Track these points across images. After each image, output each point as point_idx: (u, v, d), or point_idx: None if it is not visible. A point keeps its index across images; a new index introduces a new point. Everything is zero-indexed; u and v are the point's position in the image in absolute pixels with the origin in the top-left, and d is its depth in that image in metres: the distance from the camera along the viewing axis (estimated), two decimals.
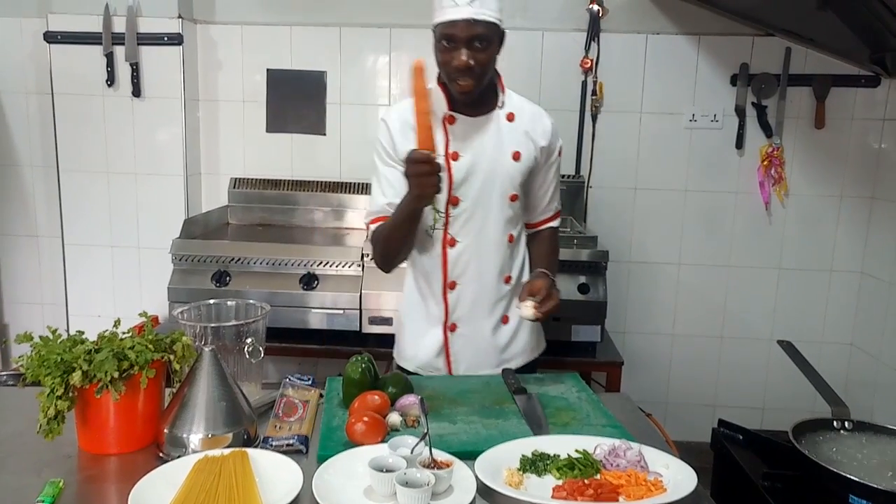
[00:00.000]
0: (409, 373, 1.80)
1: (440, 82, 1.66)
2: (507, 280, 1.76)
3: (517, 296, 1.77)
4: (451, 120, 1.65)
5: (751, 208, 2.96)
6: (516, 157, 1.68)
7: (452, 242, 1.69)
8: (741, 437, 1.59)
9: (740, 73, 2.85)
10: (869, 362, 2.91)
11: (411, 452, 1.18)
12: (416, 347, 1.79)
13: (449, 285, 1.72)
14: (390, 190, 1.68)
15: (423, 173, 1.47)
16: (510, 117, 1.69)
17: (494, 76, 1.67)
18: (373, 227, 1.73)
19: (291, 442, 1.27)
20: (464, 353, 1.76)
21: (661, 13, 2.86)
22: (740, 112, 2.88)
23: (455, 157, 1.65)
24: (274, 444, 1.26)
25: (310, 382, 1.50)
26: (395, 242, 1.66)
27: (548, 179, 1.78)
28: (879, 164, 2.87)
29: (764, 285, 3.01)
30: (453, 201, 1.67)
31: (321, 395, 1.50)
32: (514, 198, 1.71)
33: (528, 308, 1.56)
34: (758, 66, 2.84)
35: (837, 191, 2.92)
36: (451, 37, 1.53)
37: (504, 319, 1.78)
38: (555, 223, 1.86)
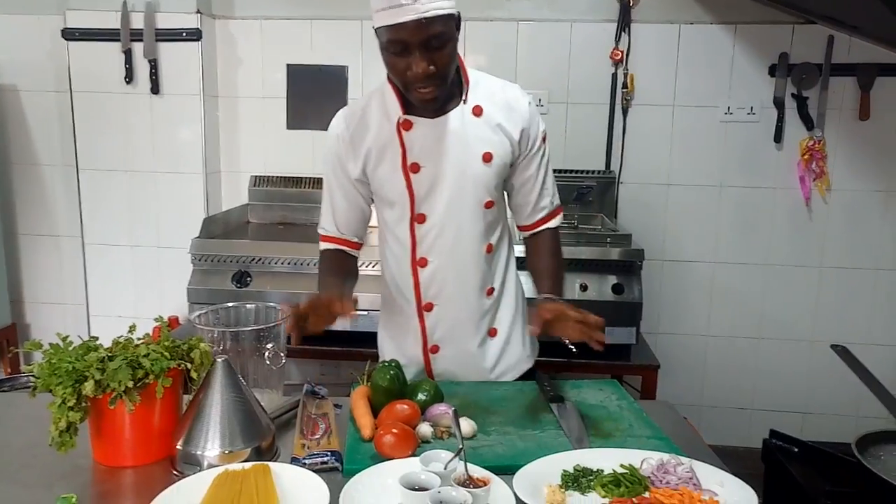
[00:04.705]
0: None
1: (390, 81, 1.45)
2: (490, 292, 1.58)
3: (503, 304, 1.63)
4: (407, 125, 1.44)
5: (790, 204, 2.84)
6: (487, 158, 1.46)
7: (423, 262, 1.52)
8: (796, 450, 1.49)
9: (779, 63, 2.72)
10: None
11: (445, 468, 1.10)
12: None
13: (424, 307, 1.56)
14: (338, 207, 1.57)
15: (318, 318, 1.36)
16: (477, 111, 1.45)
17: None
18: (322, 245, 1.62)
19: (326, 460, 1.19)
20: (449, 374, 1.61)
21: (695, 2, 2.75)
22: (779, 104, 2.75)
23: (415, 168, 1.45)
24: (308, 462, 1.17)
25: (321, 396, 1.42)
26: None
27: (531, 173, 1.54)
28: None
29: (804, 285, 2.88)
30: (419, 219, 1.49)
31: (336, 406, 1.42)
32: (489, 204, 1.50)
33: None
34: (798, 56, 2.71)
35: (883, 185, 2.78)
36: (401, 42, 1.30)
37: (492, 332, 1.62)
38: (552, 223, 1.61)
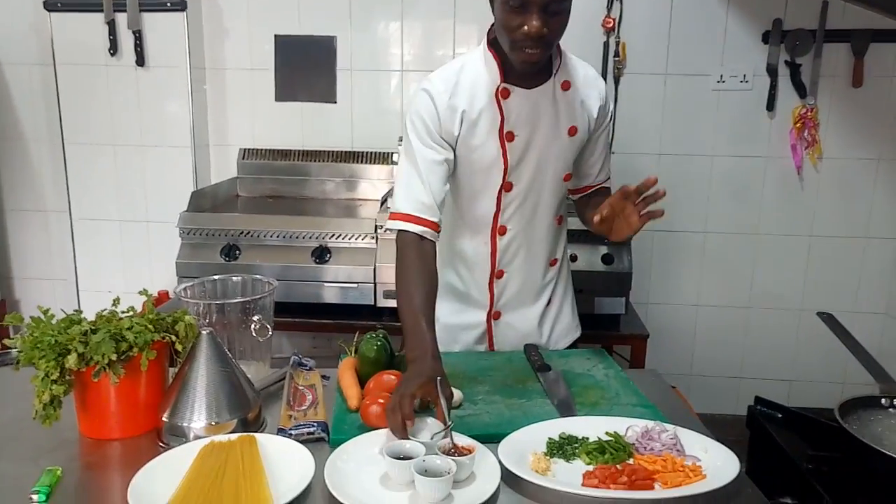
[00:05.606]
0: None
1: (491, 47, 1.45)
2: (553, 263, 1.66)
3: (561, 276, 1.70)
4: (506, 94, 1.44)
5: (782, 173, 2.82)
6: (572, 132, 1.50)
7: (503, 230, 1.56)
8: (780, 416, 1.50)
9: (773, 30, 2.69)
10: None
11: (431, 438, 1.11)
12: (455, 335, 1.66)
13: (496, 274, 1.60)
14: (430, 178, 1.43)
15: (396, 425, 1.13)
16: (565, 86, 1.47)
17: None
18: (397, 223, 1.44)
19: (312, 430, 1.19)
20: (507, 340, 1.66)
21: None
22: (772, 71, 2.72)
23: (510, 137, 1.47)
24: (294, 433, 1.18)
25: (309, 367, 1.42)
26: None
27: (598, 149, 1.59)
28: None
29: (794, 254, 2.89)
30: (506, 187, 1.51)
31: (324, 377, 1.42)
32: (567, 177, 1.57)
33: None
34: (792, 22, 2.68)
35: (875, 153, 2.77)
36: None
37: (549, 302, 1.69)
38: (606, 184, 1.67)
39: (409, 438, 1.11)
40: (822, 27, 2.66)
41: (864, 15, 2.63)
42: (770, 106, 2.76)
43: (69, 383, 1.13)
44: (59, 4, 2.74)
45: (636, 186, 1.31)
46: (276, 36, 2.88)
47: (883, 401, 1.39)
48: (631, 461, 1.12)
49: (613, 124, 2.78)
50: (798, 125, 2.74)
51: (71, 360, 1.08)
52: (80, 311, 1.20)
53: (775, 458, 1.40)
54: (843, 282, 2.88)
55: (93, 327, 1.13)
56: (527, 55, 1.34)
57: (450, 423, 1.12)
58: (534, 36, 1.31)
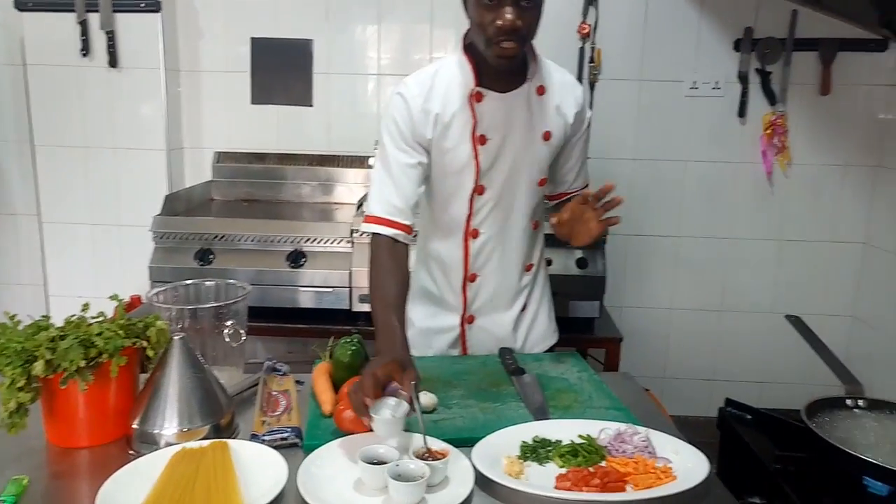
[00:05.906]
0: None
1: (466, 51, 1.47)
2: (529, 268, 1.67)
3: (537, 281, 1.70)
4: (479, 97, 1.46)
5: (752, 179, 2.87)
6: (546, 137, 1.51)
7: (475, 234, 1.57)
8: (749, 417, 1.53)
9: (744, 38, 2.74)
10: (870, 335, 2.85)
11: (393, 415, 1.11)
12: (429, 339, 1.67)
13: (469, 278, 1.61)
14: (403, 181, 1.46)
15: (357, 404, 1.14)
16: (540, 91, 1.49)
17: None
18: (371, 227, 1.47)
19: (286, 435, 1.18)
20: (481, 345, 1.67)
21: None
22: (743, 79, 2.77)
23: (482, 140, 1.48)
24: (267, 439, 1.17)
25: (283, 373, 1.42)
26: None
27: (574, 155, 1.60)
28: (886, 132, 2.77)
29: (765, 257, 2.94)
30: (478, 190, 1.52)
31: (298, 382, 1.42)
32: (542, 182, 1.57)
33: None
34: (763, 31, 2.73)
35: (842, 159, 2.83)
36: None
37: (523, 307, 1.69)
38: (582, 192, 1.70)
39: (370, 417, 1.11)
40: (791, 35, 2.71)
41: (831, 24, 2.69)
42: (741, 112, 2.81)
43: (36, 390, 1.11)
44: (30, 4, 2.69)
45: (595, 192, 1.33)
46: (252, 38, 2.87)
47: (848, 402, 1.43)
48: (603, 464, 1.14)
49: (588, 130, 2.84)
50: (768, 131, 2.79)
51: (38, 367, 1.06)
52: (48, 317, 1.18)
53: (745, 458, 1.43)
54: (811, 285, 2.94)
55: (61, 333, 1.11)
56: (502, 49, 1.35)
57: (417, 404, 1.12)
58: (507, 29, 1.32)
